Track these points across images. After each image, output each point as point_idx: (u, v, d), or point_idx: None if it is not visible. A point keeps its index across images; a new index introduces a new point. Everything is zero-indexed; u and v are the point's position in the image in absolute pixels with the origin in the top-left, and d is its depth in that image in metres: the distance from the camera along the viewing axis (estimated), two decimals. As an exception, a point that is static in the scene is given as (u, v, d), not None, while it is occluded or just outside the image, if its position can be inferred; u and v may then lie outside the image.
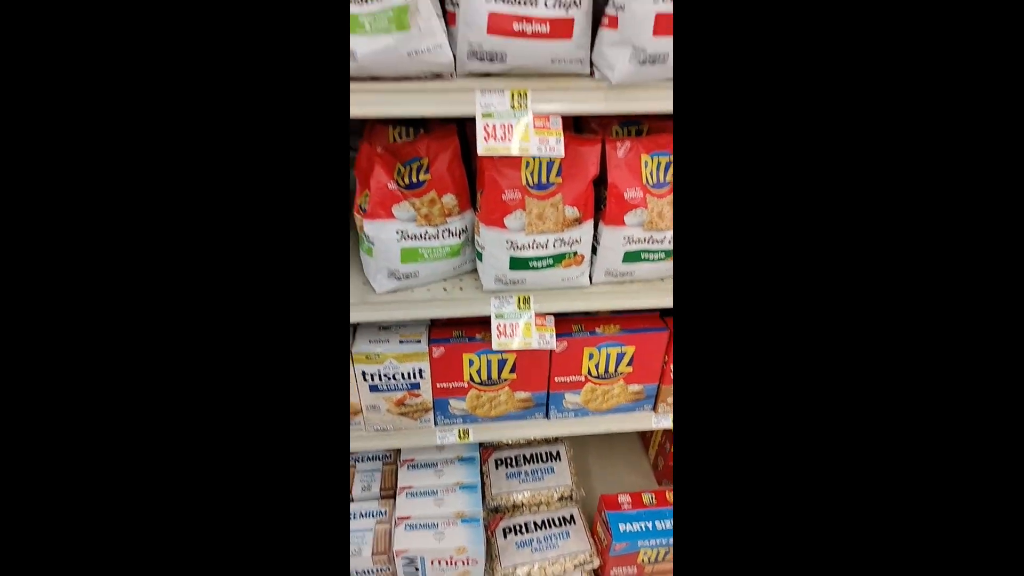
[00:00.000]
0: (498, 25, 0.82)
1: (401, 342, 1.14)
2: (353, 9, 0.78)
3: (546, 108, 0.86)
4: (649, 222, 1.00)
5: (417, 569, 1.27)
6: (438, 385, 1.18)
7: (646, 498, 1.31)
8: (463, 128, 1.05)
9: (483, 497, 1.37)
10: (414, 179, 1.00)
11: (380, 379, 1.16)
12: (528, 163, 0.95)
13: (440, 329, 1.17)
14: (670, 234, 1.02)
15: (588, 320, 1.18)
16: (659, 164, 0.98)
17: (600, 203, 1.01)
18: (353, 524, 1.31)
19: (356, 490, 1.40)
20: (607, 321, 1.18)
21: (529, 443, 1.52)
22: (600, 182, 0.99)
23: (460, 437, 1.23)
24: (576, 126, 1.09)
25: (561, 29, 0.83)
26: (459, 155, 1.01)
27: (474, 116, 0.85)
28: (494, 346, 1.05)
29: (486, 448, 1.50)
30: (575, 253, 1.02)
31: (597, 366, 1.19)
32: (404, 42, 0.80)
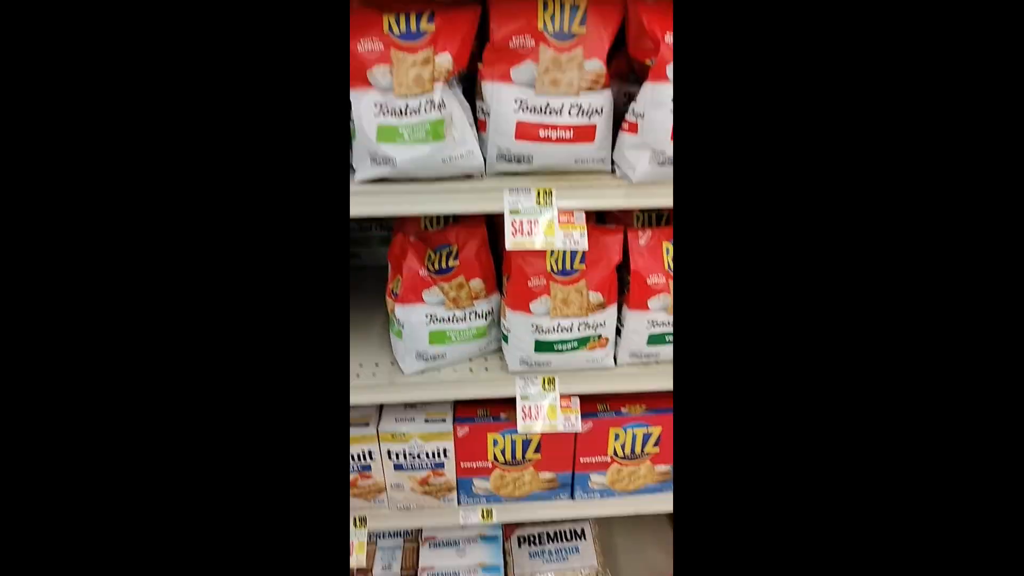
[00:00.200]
0: (525, 132, 0.89)
1: (427, 421, 1.15)
2: (392, 121, 0.86)
3: (570, 204, 0.91)
4: (672, 306, 1.01)
5: (437, 660, 1.21)
6: (462, 465, 1.17)
7: (677, 587, 1.25)
8: (490, 215, 1.11)
9: (506, 580, 1.33)
10: (443, 265, 1.04)
11: (405, 458, 1.16)
12: (553, 251, 0.99)
13: (465, 407, 1.18)
14: (693, 318, 1.03)
15: (614, 400, 1.18)
16: (680, 251, 1.01)
17: (623, 287, 1.04)
18: (373, 608, 1.27)
19: (376, 569, 1.37)
20: (633, 401, 1.18)
21: (553, 519, 1.48)
22: (623, 267, 1.02)
23: (483, 517, 1.21)
24: (599, 215, 1.14)
25: (584, 134, 0.89)
26: (486, 242, 1.06)
27: (502, 212, 0.90)
28: (519, 429, 1.05)
29: (509, 525, 1.47)
30: (600, 336, 1.04)
31: (623, 447, 1.18)
32: (439, 150, 0.87)
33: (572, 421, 1.08)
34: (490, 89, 0.88)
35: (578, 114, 0.87)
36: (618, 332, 1.06)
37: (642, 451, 1.18)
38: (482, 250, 1.05)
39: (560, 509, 1.23)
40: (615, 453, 1.18)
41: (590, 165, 0.93)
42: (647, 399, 1.18)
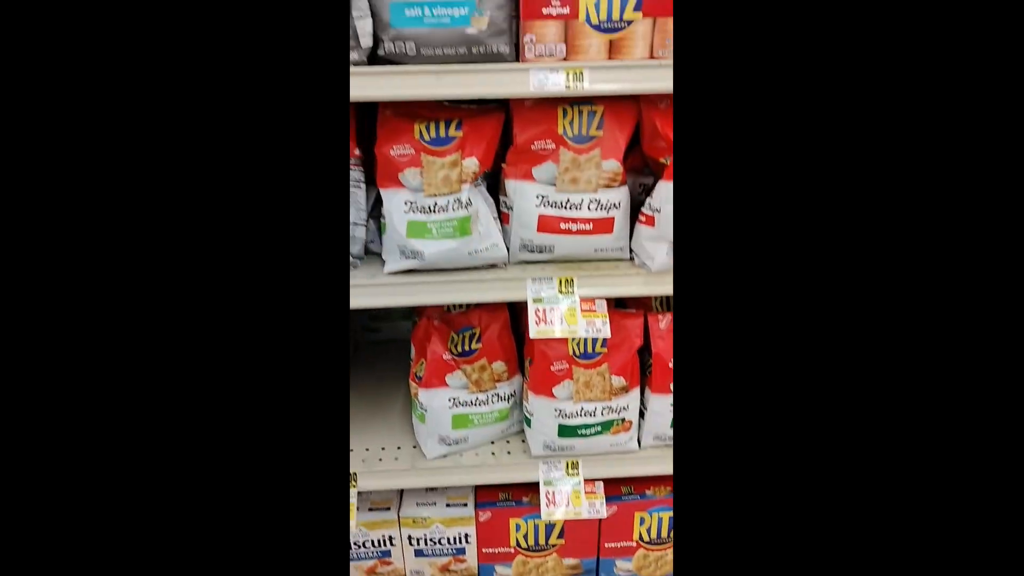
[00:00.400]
0: (547, 225, 0.93)
1: (448, 505, 1.14)
2: (421, 218, 0.91)
3: (591, 292, 0.94)
4: (695, 389, 1.01)
5: None
6: (484, 550, 1.14)
7: None
8: (511, 297, 1.14)
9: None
10: (466, 347, 1.06)
11: (426, 543, 1.13)
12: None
13: (487, 491, 1.16)
14: (717, 400, 1.03)
15: (638, 482, 1.16)
16: (700, 333, 1.02)
17: (645, 370, 1.04)
18: None
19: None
20: (658, 483, 1.15)
21: (576, 607, 1.41)
22: (644, 351, 1.04)
23: (505, 608, 1.16)
24: (619, 299, 1.16)
25: (603, 226, 0.93)
26: (508, 324, 1.08)
27: (525, 300, 0.93)
28: (542, 516, 1.03)
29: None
30: (623, 420, 1.03)
31: (649, 531, 1.14)
32: (465, 244, 0.91)
33: (597, 507, 1.06)
34: (513, 186, 0.93)
35: (597, 208, 0.92)
36: (641, 415, 1.06)
37: (669, 535, 1.14)
38: (504, 332, 1.07)
39: (585, 599, 1.18)
40: (641, 538, 1.14)
41: (609, 254, 0.97)
42: (673, 481, 1.16)
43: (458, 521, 1.12)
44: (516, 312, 1.11)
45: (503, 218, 0.97)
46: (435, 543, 1.13)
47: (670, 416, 1.04)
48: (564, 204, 0.92)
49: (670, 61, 0.82)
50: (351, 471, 1.04)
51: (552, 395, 1.01)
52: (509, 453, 1.09)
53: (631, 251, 0.98)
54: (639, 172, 1.01)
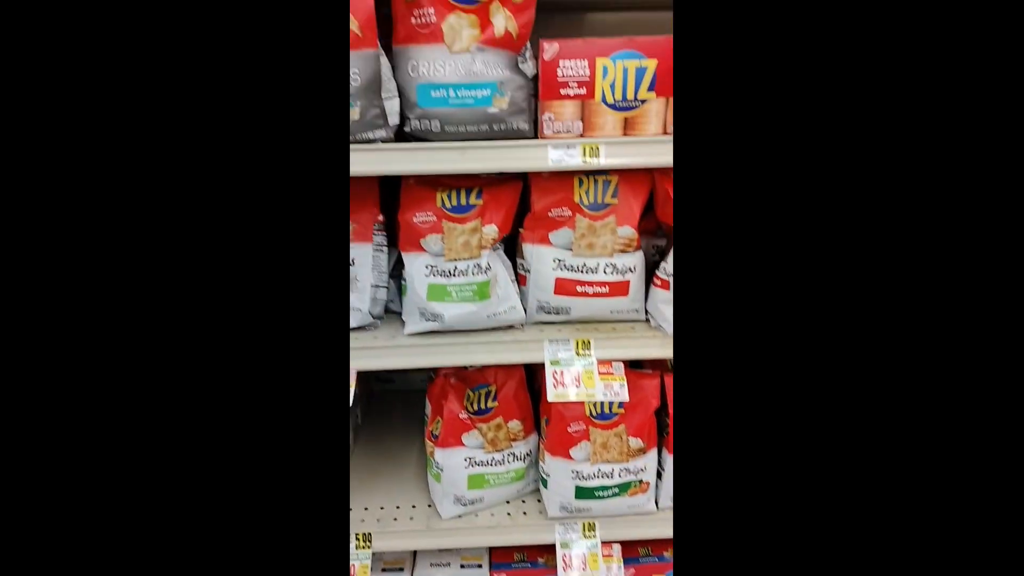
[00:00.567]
0: (563, 287, 0.95)
1: (462, 566, 1.11)
2: (442, 281, 0.93)
3: (608, 354, 0.95)
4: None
5: None
6: (498, 615, 1.11)
7: None
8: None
9: None
10: (482, 405, 1.07)
11: (439, 607, 1.11)
12: (590, 395, 1.02)
13: (502, 551, 1.14)
14: (735, 461, 1.02)
15: (656, 544, 1.14)
16: (716, 392, 1.02)
17: (662, 430, 1.04)
18: None
19: None
20: (675, 545, 1.13)
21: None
22: (661, 411, 1.04)
23: (520, 677, 1.12)
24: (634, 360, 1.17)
25: (618, 289, 0.95)
26: (524, 383, 1.09)
27: (543, 363, 0.94)
28: (560, 581, 1.01)
29: None
30: (640, 481, 1.02)
31: (668, 596, 1.11)
32: (484, 308, 0.93)
33: (614, 570, 1.03)
34: (530, 250, 0.96)
35: (613, 272, 0.94)
36: (659, 476, 1.05)
37: (689, 601, 1.11)
38: (520, 390, 1.08)
39: (603, 667, 1.13)
40: (660, 603, 1.11)
41: (625, 315, 0.98)
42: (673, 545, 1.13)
43: (472, 584, 1.09)
44: (532, 369, 1.12)
45: (520, 280, 0.99)
46: (448, 607, 1.10)
47: (688, 477, 1.03)
48: (580, 268, 0.94)
49: (682, 136, 0.86)
50: (366, 532, 1.03)
51: (569, 456, 1.00)
52: (525, 514, 1.08)
53: (647, 312, 1.00)
54: (652, 234, 1.04)
